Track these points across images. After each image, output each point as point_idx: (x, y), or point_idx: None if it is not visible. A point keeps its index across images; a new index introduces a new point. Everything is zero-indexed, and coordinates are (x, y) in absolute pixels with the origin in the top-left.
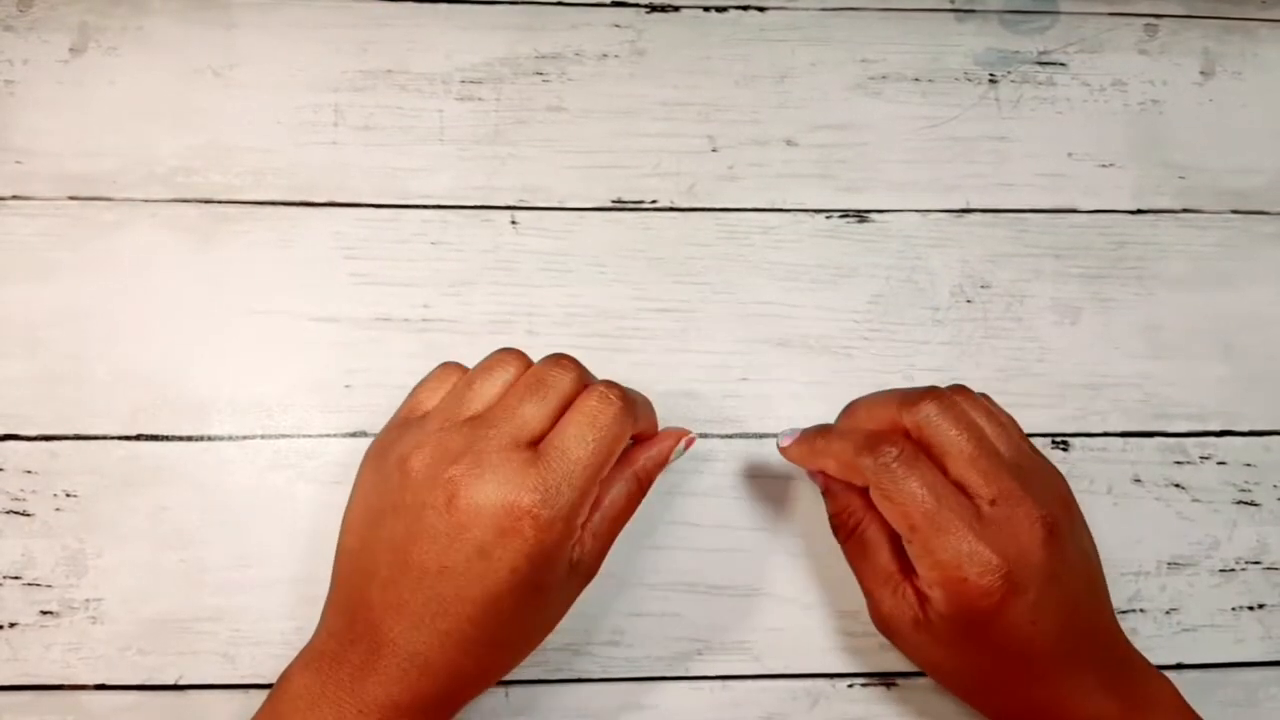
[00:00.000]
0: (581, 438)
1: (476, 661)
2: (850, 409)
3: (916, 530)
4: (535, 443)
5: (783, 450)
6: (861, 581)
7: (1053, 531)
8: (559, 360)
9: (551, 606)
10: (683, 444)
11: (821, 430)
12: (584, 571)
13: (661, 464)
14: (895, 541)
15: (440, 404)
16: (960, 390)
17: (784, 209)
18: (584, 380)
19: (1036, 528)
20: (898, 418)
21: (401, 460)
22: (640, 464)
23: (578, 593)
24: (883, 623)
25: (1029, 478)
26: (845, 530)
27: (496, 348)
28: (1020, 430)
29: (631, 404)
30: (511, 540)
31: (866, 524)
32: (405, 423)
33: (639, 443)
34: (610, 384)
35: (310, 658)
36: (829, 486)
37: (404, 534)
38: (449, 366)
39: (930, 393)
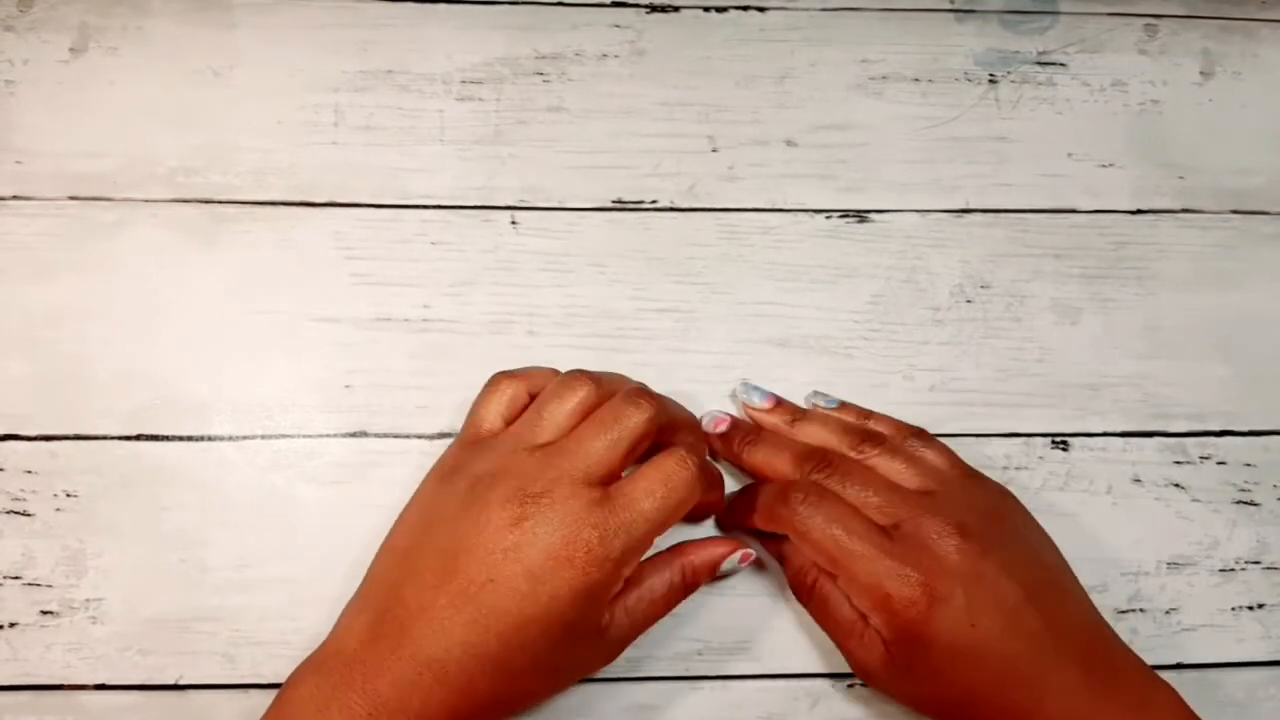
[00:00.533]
0: (651, 492)
1: (489, 685)
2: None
3: (838, 563)
4: (605, 480)
5: (723, 522)
6: (834, 639)
7: (965, 535)
8: (635, 397)
9: (569, 657)
10: (738, 557)
11: (743, 490)
12: (609, 643)
13: (711, 568)
14: None
15: (512, 429)
16: (857, 436)
17: (784, 209)
18: (660, 418)
19: (945, 537)
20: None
21: (475, 480)
22: (690, 558)
23: (596, 664)
24: (862, 673)
25: (937, 500)
26: (805, 590)
27: (569, 369)
28: (947, 457)
29: (707, 474)
30: (561, 569)
31: (822, 580)
32: (474, 443)
33: (694, 542)
34: (693, 449)
35: (322, 659)
36: (782, 551)
37: (459, 542)
38: (501, 378)
39: (792, 484)
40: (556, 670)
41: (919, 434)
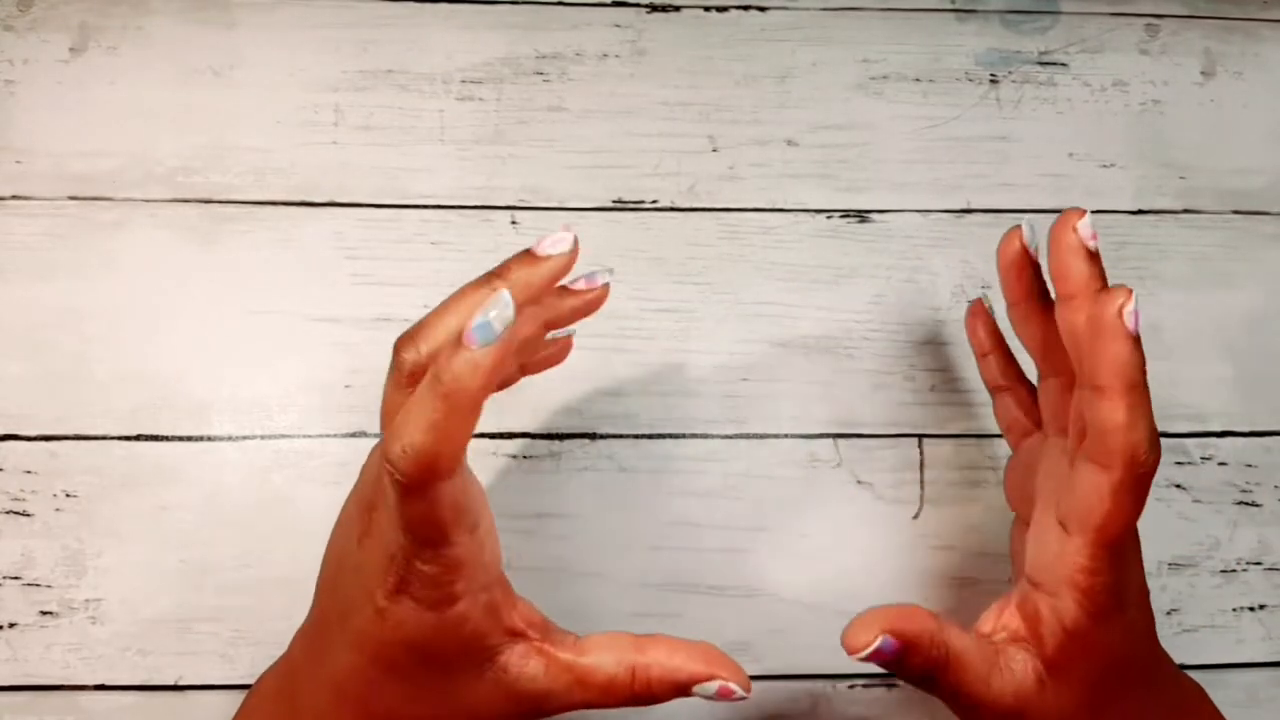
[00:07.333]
0: (402, 431)
1: (385, 709)
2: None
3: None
4: None
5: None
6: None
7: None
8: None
9: (463, 691)
10: (714, 688)
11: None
12: (517, 694)
13: (672, 688)
14: None
15: None
16: None
17: (784, 209)
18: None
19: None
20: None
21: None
22: (645, 661)
23: (505, 712)
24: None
25: None
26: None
27: None
28: None
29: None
30: (397, 599)
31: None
32: None
33: (664, 643)
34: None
35: (280, 665)
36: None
37: (338, 554)
38: None
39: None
40: (455, 708)
41: None
